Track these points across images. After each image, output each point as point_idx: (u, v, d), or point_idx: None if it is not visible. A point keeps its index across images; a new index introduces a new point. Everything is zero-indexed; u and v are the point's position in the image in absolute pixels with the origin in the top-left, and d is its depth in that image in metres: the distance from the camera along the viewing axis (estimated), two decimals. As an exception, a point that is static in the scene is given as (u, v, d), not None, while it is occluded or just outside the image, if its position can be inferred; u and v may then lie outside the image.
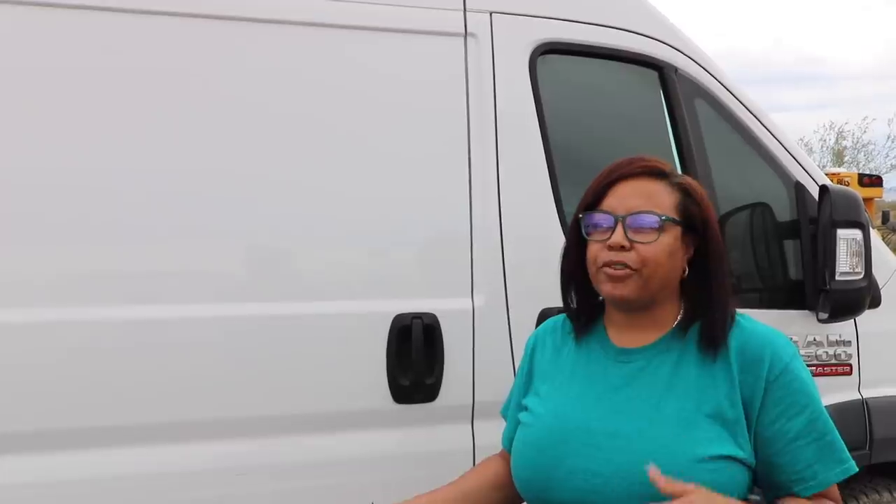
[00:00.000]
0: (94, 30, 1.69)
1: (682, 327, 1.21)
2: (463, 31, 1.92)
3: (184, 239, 1.72)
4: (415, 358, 1.80)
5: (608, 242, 1.16)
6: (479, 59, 1.92)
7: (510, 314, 1.88)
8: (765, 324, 1.23)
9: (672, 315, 1.23)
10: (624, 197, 1.18)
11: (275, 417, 1.76)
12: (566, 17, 2.01)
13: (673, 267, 1.18)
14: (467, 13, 1.93)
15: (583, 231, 1.21)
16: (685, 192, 1.20)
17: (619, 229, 1.15)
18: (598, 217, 1.19)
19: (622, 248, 1.15)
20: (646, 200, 1.17)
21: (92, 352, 1.63)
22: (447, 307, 1.85)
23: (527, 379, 1.35)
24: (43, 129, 1.65)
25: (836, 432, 1.17)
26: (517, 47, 1.96)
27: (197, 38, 1.75)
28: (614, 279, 1.16)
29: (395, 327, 1.80)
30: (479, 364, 1.86)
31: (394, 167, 1.85)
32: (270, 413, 1.75)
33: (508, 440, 1.35)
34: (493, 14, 1.95)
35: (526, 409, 1.29)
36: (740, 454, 1.13)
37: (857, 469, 1.17)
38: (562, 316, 1.35)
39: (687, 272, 1.21)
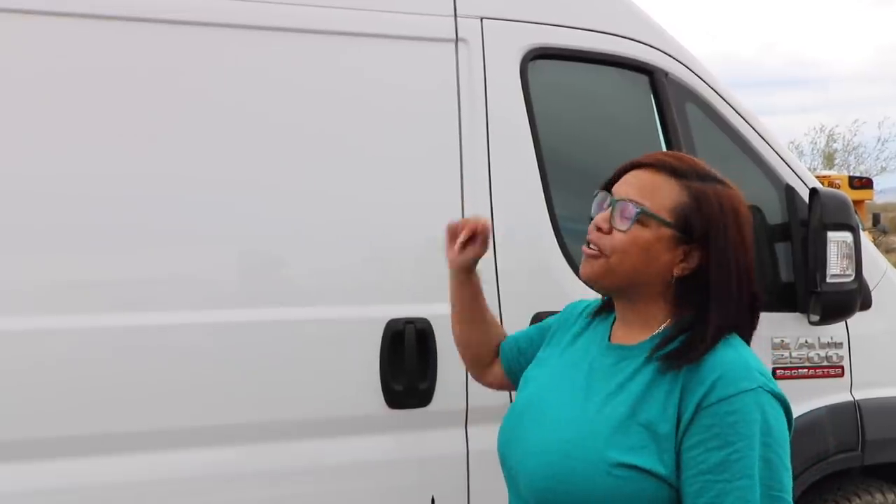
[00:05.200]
0: (87, 37, 1.69)
1: (665, 337, 1.15)
2: (454, 36, 1.93)
3: (175, 245, 1.72)
4: (408, 363, 1.80)
5: (594, 221, 1.17)
6: (470, 65, 1.93)
7: (503, 318, 1.87)
8: (747, 356, 1.12)
9: (658, 320, 1.18)
10: (626, 183, 1.17)
11: (267, 423, 1.75)
12: (557, 23, 2.02)
13: (647, 264, 1.13)
14: (458, 19, 1.94)
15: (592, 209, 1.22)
16: (696, 199, 1.13)
17: (607, 212, 1.16)
18: (600, 196, 1.20)
19: (599, 229, 1.15)
20: (639, 191, 1.14)
21: (83, 359, 1.63)
22: (440, 312, 1.82)
23: (542, 334, 1.39)
24: (32, 136, 1.64)
25: (755, 485, 1.02)
26: (508, 52, 1.97)
27: (189, 45, 1.75)
28: (587, 257, 1.18)
29: (388, 332, 1.80)
30: (471, 369, 1.86)
31: (386, 172, 1.85)
32: (262, 419, 1.75)
33: (509, 344, 1.47)
34: (483, 19, 1.96)
35: (524, 374, 1.33)
36: (660, 470, 1.05)
37: None
38: (597, 301, 1.35)
39: (675, 278, 1.14)
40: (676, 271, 1.14)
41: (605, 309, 1.30)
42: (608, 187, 1.20)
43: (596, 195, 1.22)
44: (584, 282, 1.20)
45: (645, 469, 1.05)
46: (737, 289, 1.13)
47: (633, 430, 1.08)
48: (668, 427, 1.06)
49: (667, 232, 1.12)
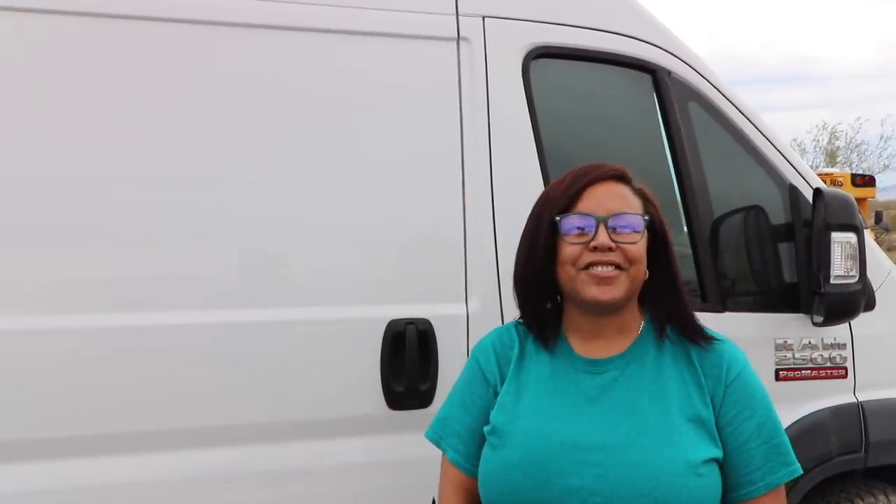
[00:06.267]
0: (87, 36, 1.68)
1: (651, 333, 1.23)
2: (455, 35, 1.92)
3: (177, 245, 1.70)
4: (409, 364, 1.79)
5: (594, 244, 1.15)
6: (472, 63, 1.92)
7: (504, 320, 1.87)
8: (711, 328, 1.25)
9: (636, 321, 1.24)
10: (601, 199, 1.18)
11: (268, 424, 1.75)
12: (559, 21, 2.01)
13: (644, 269, 1.21)
14: (460, 17, 1.93)
15: (560, 233, 1.19)
16: (644, 197, 1.23)
17: (603, 230, 1.15)
18: (578, 219, 1.17)
19: (609, 249, 1.15)
20: (622, 202, 1.18)
21: (85, 359, 1.62)
22: (441, 313, 1.84)
23: (480, 389, 1.26)
24: (33, 136, 1.63)
25: (785, 435, 1.19)
26: (510, 51, 1.96)
27: (190, 43, 1.74)
28: (602, 281, 1.15)
29: (389, 333, 1.79)
30: (473, 369, 1.85)
31: (387, 171, 1.84)
32: (263, 420, 1.74)
33: (466, 458, 1.25)
34: (485, 18, 1.95)
35: (491, 426, 1.21)
36: (719, 454, 1.14)
37: (802, 472, 1.19)
38: (509, 326, 1.32)
39: (647, 276, 1.22)
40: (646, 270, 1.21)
41: (538, 329, 1.26)
42: (565, 211, 1.18)
43: (558, 221, 1.18)
44: (603, 306, 1.17)
45: (714, 458, 1.13)
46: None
47: (685, 428, 1.13)
48: (708, 412, 1.16)
49: (645, 234, 1.20)
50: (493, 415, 1.23)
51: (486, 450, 1.22)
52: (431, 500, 1.82)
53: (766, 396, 1.20)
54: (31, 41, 1.65)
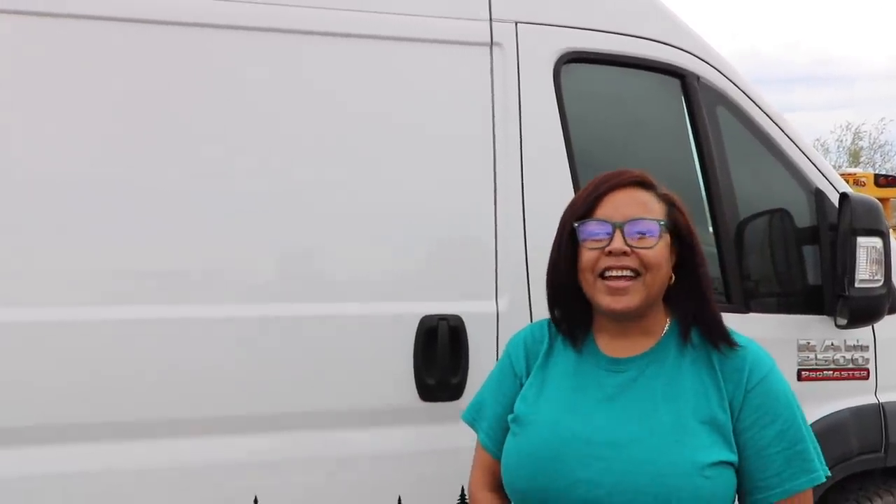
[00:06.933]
0: (125, 37, 1.76)
1: (674, 335, 1.24)
2: (489, 40, 1.97)
3: (230, 245, 1.79)
4: (440, 358, 1.86)
5: (609, 248, 1.17)
6: (505, 68, 1.97)
7: (533, 316, 1.93)
8: (741, 333, 1.25)
9: (660, 324, 1.26)
10: (618, 206, 1.20)
11: (307, 413, 1.83)
12: (590, 27, 2.05)
13: (667, 273, 1.22)
14: (493, 23, 1.98)
15: (578, 239, 1.22)
16: (670, 203, 1.24)
17: (619, 236, 1.17)
18: (595, 225, 1.20)
19: (623, 253, 1.16)
20: (641, 208, 1.20)
21: (140, 348, 1.72)
22: (472, 310, 1.90)
23: (509, 381, 1.34)
24: (74, 129, 1.72)
25: (810, 442, 1.19)
26: (542, 56, 2.00)
27: (239, 50, 1.83)
28: (616, 291, 1.18)
29: (423, 328, 1.87)
30: (502, 365, 1.92)
31: (422, 175, 1.91)
32: (303, 409, 1.83)
33: (494, 443, 1.33)
34: (518, 24, 1.99)
35: (514, 415, 1.28)
36: (732, 458, 1.15)
37: (825, 479, 1.18)
38: (544, 322, 1.36)
39: (673, 279, 1.23)
40: (671, 271, 1.23)
41: (568, 330, 1.31)
42: (585, 218, 1.21)
43: (577, 227, 1.22)
44: (620, 313, 1.19)
45: (726, 461, 1.14)
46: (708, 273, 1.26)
47: (698, 430, 1.15)
48: (725, 416, 1.17)
49: (668, 238, 1.21)
50: (516, 404, 1.29)
51: (508, 436, 1.28)
52: (461, 487, 1.90)
53: (793, 402, 1.20)
54: (65, 42, 1.72)
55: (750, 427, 1.16)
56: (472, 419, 1.42)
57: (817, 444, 1.21)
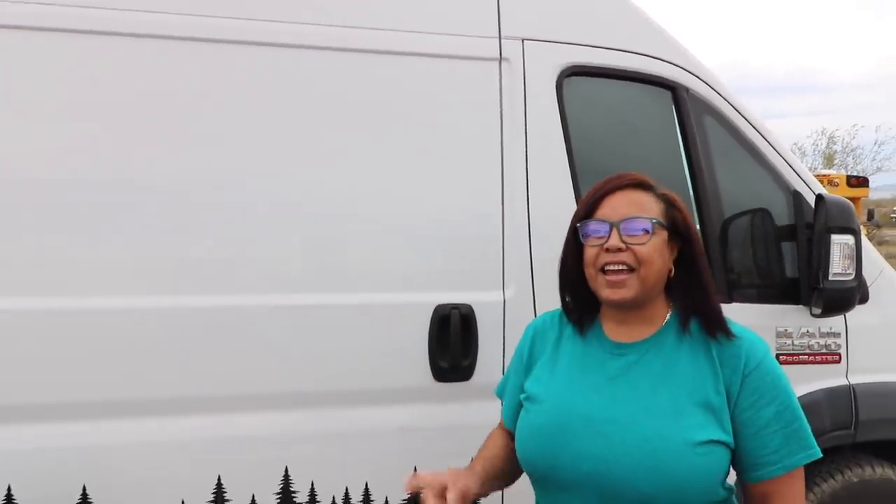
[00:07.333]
0: (164, 52, 1.93)
1: (674, 324, 1.32)
2: (498, 56, 2.15)
3: (262, 240, 1.96)
4: (453, 343, 2.05)
5: (605, 245, 1.26)
6: (512, 81, 2.15)
7: (536, 305, 2.12)
8: (737, 322, 1.32)
9: (661, 313, 1.33)
10: (616, 206, 1.28)
11: (330, 392, 2.01)
12: (590, 43, 2.22)
13: (663, 266, 1.29)
14: (502, 40, 2.15)
15: (580, 238, 1.31)
16: (669, 202, 1.32)
17: (615, 234, 1.26)
18: (594, 225, 1.29)
19: (619, 249, 1.25)
20: (636, 208, 1.28)
21: (181, 334, 1.91)
22: (481, 299, 2.09)
23: (526, 363, 1.44)
24: (107, 134, 1.88)
25: (804, 421, 1.26)
26: (546, 70, 2.18)
27: (279, 67, 2.00)
28: (613, 284, 1.27)
29: (436, 316, 2.05)
30: (508, 349, 2.10)
31: (437, 177, 2.09)
32: (326, 388, 2.01)
33: (510, 419, 1.45)
34: (524, 41, 2.17)
35: (527, 394, 1.37)
36: (725, 437, 1.22)
37: (821, 455, 1.27)
38: (555, 312, 1.49)
39: (673, 272, 1.31)
40: (670, 265, 1.31)
41: (576, 317, 1.40)
42: (587, 217, 1.31)
43: (579, 227, 1.32)
44: (618, 303, 1.29)
45: (718, 440, 1.21)
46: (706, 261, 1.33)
47: (692, 411, 1.22)
48: (719, 399, 1.23)
49: (664, 234, 1.29)
50: (529, 384, 1.39)
51: (521, 413, 1.38)
52: (470, 459, 2.09)
53: (787, 385, 1.26)
54: (106, 57, 1.90)
55: (748, 408, 1.22)
56: (501, 392, 1.56)
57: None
